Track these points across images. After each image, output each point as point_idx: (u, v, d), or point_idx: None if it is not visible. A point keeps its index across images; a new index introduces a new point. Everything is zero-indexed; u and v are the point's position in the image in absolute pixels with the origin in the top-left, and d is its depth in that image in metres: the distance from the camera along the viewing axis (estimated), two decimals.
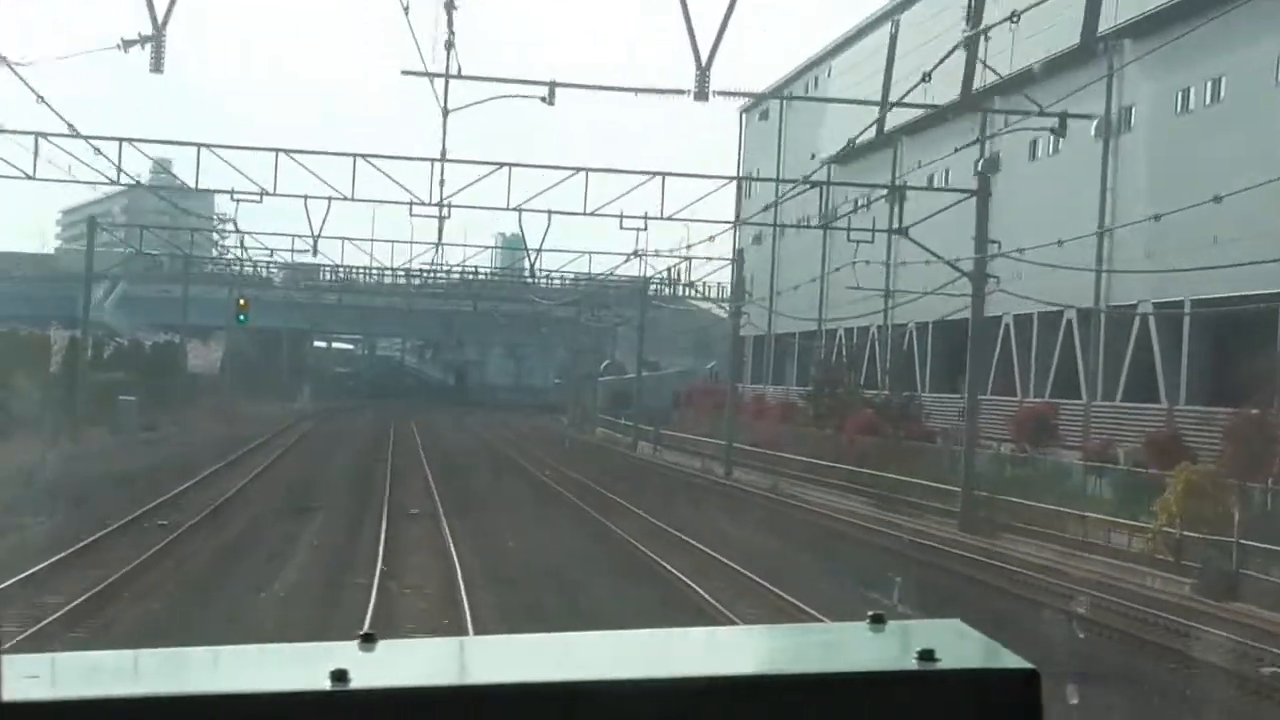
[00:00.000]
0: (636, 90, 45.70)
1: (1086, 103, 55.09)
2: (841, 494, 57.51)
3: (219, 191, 46.26)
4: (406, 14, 31.54)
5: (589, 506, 45.44)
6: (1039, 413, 60.48)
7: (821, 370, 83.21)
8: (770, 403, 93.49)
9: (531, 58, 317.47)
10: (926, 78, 41.17)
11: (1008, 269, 52.34)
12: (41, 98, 36.35)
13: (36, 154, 47.43)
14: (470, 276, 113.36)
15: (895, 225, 49.48)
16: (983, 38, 45.57)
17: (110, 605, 25.09)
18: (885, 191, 66.30)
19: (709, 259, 79.66)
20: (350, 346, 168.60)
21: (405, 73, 35.92)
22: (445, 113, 35.09)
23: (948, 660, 3.05)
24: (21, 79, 34.74)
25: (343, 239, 71.77)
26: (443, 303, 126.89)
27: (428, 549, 34.44)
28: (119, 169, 46.02)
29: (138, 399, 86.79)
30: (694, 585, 29.78)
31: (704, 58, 29.81)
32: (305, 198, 47.38)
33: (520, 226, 49.53)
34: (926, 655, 3.05)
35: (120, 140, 44.47)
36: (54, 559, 28.21)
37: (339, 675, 2.91)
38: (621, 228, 49.08)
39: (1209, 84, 54.85)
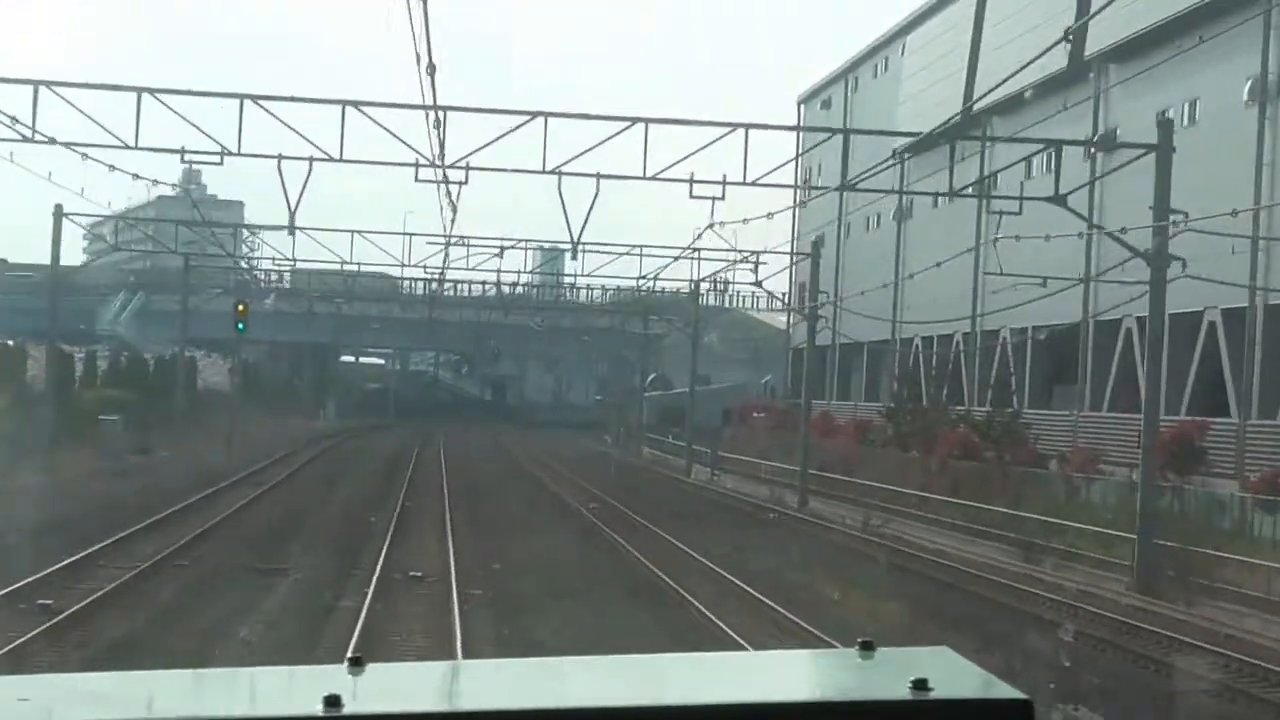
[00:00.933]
0: None
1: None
2: (948, 533, 46.33)
3: (169, 151, 34.43)
4: None
5: (652, 562, 34.27)
6: (1183, 433, 49.10)
7: (902, 383, 71.84)
8: (837, 420, 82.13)
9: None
10: (1067, 37, 31.79)
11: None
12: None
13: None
14: (505, 284, 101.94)
15: (1055, 192, 38.15)
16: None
17: None
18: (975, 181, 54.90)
19: (766, 253, 66.30)
20: (381, 361, 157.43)
21: None
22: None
23: (941, 689, 2.96)
24: None
25: (351, 231, 59.24)
26: (474, 313, 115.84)
27: (422, 640, 23.37)
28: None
29: (133, 419, 76.58)
30: None
31: None
32: (279, 158, 36.19)
33: (560, 194, 37.77)
34: (920, 685, 2.97)
35: (36, 83, 33.35)
36: None
37: (332, 701, 2.84)
38: (692, 195, 37.84)
39: None
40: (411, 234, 64.55)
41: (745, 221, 70.31)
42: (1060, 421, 63.22)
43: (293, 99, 34.34)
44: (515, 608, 26.69)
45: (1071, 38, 32.05)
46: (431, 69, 26.80)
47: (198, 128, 33.72)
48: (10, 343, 78.62)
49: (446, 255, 57.44)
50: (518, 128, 35.22)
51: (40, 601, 24.76)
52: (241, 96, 33.45)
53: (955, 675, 3.16)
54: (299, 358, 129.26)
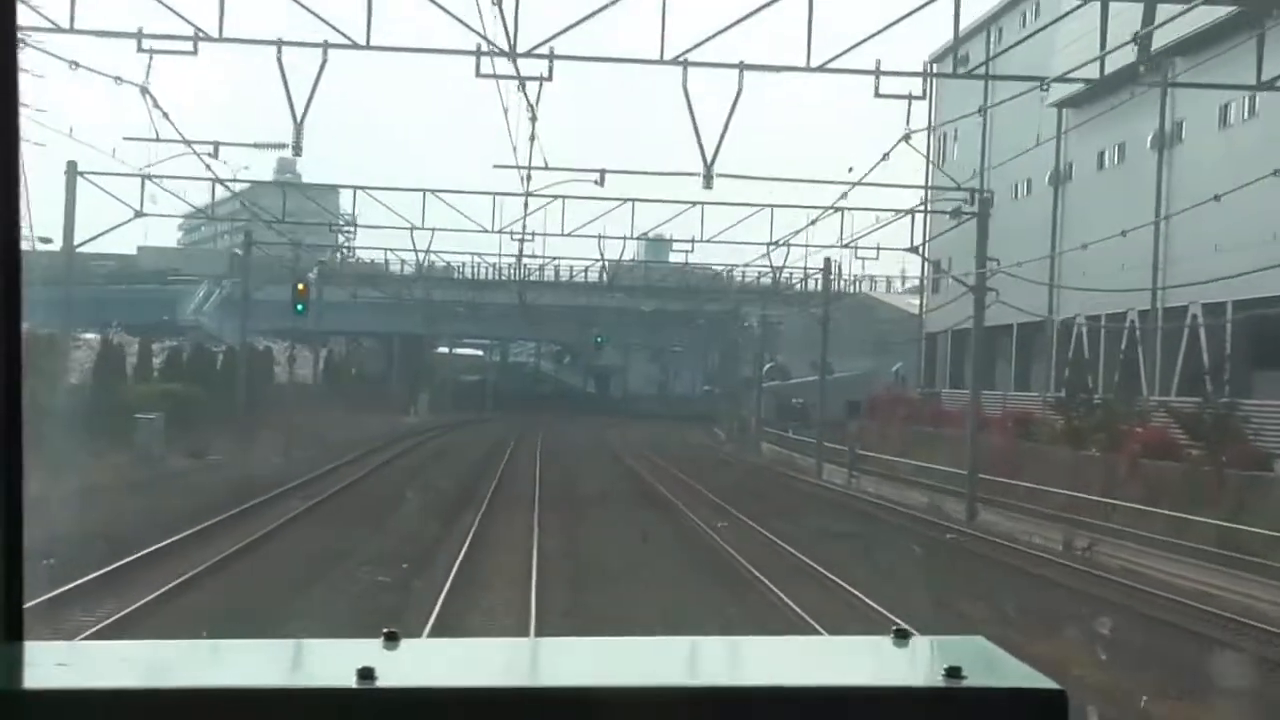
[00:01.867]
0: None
1: None
2: (1186, 561, 35.20)
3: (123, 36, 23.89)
4: None
5: (832, 625, 23.35)
6: None
7: (1078, 370, 60.53)
8: (987, 413, 70.70)
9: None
10: None
11: None
12: None
13: None
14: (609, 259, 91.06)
15: None
16: None
17: None
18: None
19: (917, 211, 55.31)
20: (479, 352, 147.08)
21: None
22: None
23: (974, 678, 2.95)
24: None
25: (432, 229, 49.89)
26: (570, 294, 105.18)
27: None
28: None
29: (180, 416, 66.68)
30: None
31: None
32: (278, 43, 25.59)
33: (686, 93, 26.97)
34: (953, 673, 2.94)
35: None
36: None
37: (366, 673, 2.85)
38: (878, 93, 27.09)
39: None
40: (497, 194, 53.96)
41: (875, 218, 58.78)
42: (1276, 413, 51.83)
43: None
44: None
45: None
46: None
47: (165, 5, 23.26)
48: (53, 332, 68.61)
49: (526, 205, 46.64)
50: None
51: None
52: None
53: (990, 664, 3.10)
54: (393, 350, 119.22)
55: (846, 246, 48.90)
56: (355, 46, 24.96)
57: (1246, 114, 55.78)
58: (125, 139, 65.39)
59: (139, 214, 42.86)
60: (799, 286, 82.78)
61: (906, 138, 48.35)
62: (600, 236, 47.38)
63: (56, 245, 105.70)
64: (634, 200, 45.21)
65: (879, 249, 58.12)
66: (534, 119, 36.45)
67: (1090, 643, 22.43)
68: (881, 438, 77.06)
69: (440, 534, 34.34)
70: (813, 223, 49.64)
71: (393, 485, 45.95)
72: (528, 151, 62.22)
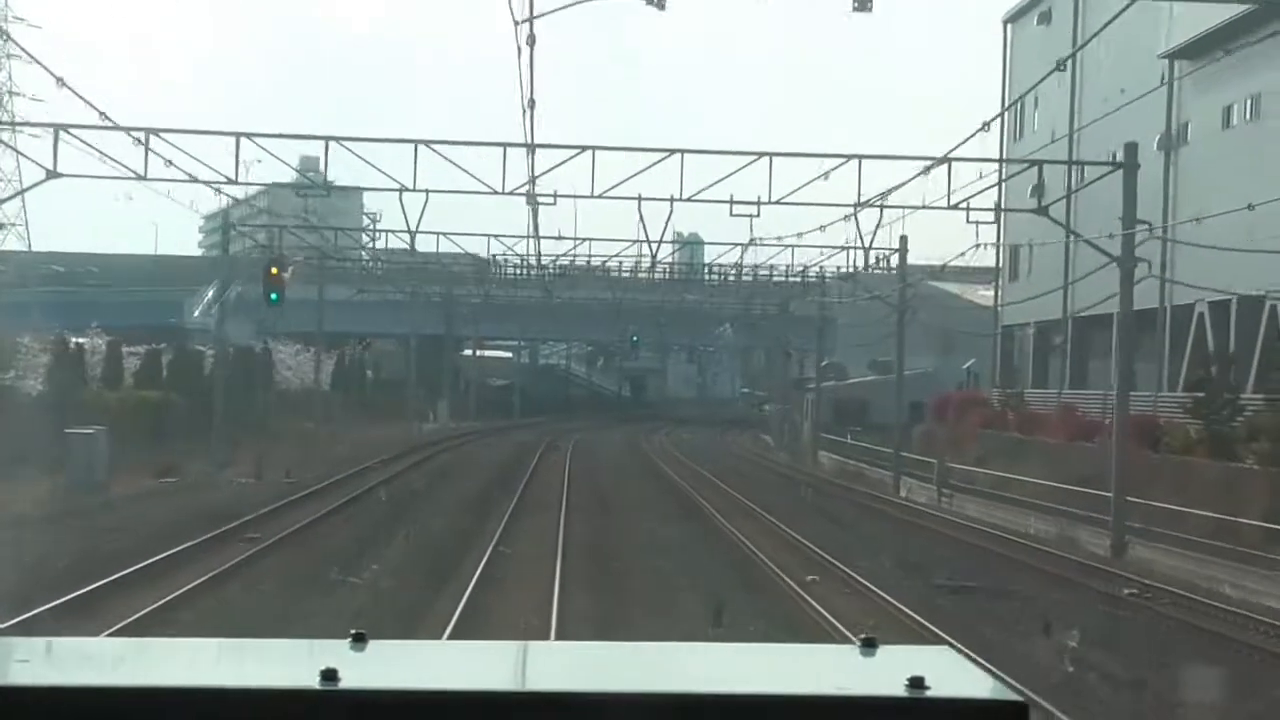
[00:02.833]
0: None
1: None
2: None
3: None
4: None
5: None
6: None
7: (1224, 364, 49.39)
8: (1083, 416, 59.30)
9: None
10: None
11: None
12: None
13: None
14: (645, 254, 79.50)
15: None
16: None
17: None
18: None
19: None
20: (507, 355, 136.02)
21: None
22: None
23: (937, 689, 2.89)
24: None
25: (426, 191, 39.50)
26: (603, 288, 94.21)
27: None
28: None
29: (163, 428, 56.29)
30: None
31: None
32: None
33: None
34: (916, 683, 2.89)
35: None
36: None
37: (329, 674, 2.82)
38: None
39: None
40: (507, 144, 43.12)
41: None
42: None
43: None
44: None
45: None
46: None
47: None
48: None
49: (532, 154, 35.04)
50: None
51: None
52: None
53: (954, 675, 3.06)
54: (410, 352, 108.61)
55: (957, 208, 37.39)
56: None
57: None
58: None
59: (53, 174, 32.37)
60: (874, 266, 71.30)
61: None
62: (640, 199, 35.69)
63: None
64: (682, 151, 34.20)
65: (1000, 207, 46.28)
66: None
67: None
68: (954, 445, 65.84)
69: (414, 608, 23.25)
70: (904, 183, 38.22)
71: (371, 524, 34.81)
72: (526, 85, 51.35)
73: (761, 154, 34.66)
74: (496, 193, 34.90)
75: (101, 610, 21.59)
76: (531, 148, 33.28)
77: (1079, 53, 61.34)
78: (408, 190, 34.64)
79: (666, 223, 37.91)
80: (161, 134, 35.15)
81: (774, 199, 35.13)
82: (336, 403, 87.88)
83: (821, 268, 79.41)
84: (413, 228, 37.95)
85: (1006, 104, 72.13)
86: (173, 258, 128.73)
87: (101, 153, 35.06)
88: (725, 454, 77.60)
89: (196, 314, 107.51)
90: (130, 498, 40.42)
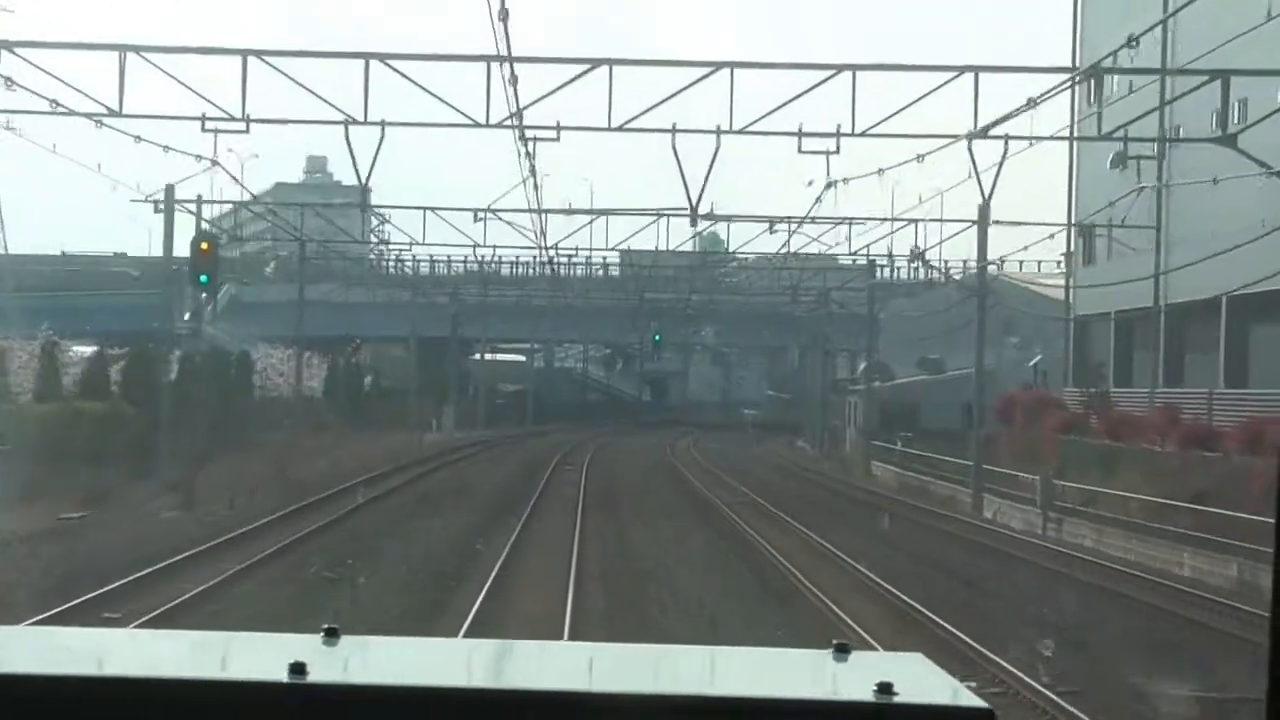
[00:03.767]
0: None
1: None
2: None
3: None
4: None
5: None
6: None
7: None
8: (1187, 420, 48.73)
9: None
10: None
11: None
12: None
13: None
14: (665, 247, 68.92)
15: None
16: None
17: None
18: None
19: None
20: (520, 358, 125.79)
21: None
22: None
23: (905, 694, 2.85)
24: None
25: (381, 123, 29.69)
26: (623, 283, 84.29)
27: None
28: None
29: (101, 446, 46.41)
30: None
31: None
32: None
33: None
34: (885, 689, 2.84)
35: None
36: None
37: (297, 668, 2.79)
38: None
39: None
40: (488, 57, 33.59)
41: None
42: None
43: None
44: None
45: None
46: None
47: None
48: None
49: (511, 68, 24.62)
50: None
51: None
52: None
53: (922, 681, 3.00)
54: (411, 355, 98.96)
55: (1110, 137, 27.08)
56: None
57: None
58: None
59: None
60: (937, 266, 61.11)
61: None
62: (675, 130, 25.47)
63: None
64: (731, 65, 23.93)
65: (1166, 137, 35.94)
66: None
67: None
68: (1026, 454, 55.50)
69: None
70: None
71: (298, 594, 24.42)
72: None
73: (842, 67, 24.42)
74: (479, 125, 24.79)
75: None
76: (509, 60, 23.02)
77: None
78: (356, 123, 24.63)
79: (711, 165, 27.45)
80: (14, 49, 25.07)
81: (856, 130, 24.83)
82: (330, 411, 78.31)
83: (891, 243, 68.16)
84: (362, 171, 27.81)
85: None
86: (162, 260, 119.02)
87: None
88: (765, 466, 67.50)
89: (187, 317, 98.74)
90: (22, 538, 30.29)
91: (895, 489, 54.90)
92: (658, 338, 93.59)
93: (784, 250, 54.35)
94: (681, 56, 68.31)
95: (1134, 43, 27.11)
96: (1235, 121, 32.97)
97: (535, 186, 38.97)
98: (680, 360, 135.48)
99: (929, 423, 70.79)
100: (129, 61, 25.80)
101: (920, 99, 25.50)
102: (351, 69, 25.24)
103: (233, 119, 26.20)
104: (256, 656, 3.11)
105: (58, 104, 27.07)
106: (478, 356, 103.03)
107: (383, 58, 24.83)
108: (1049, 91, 27.12)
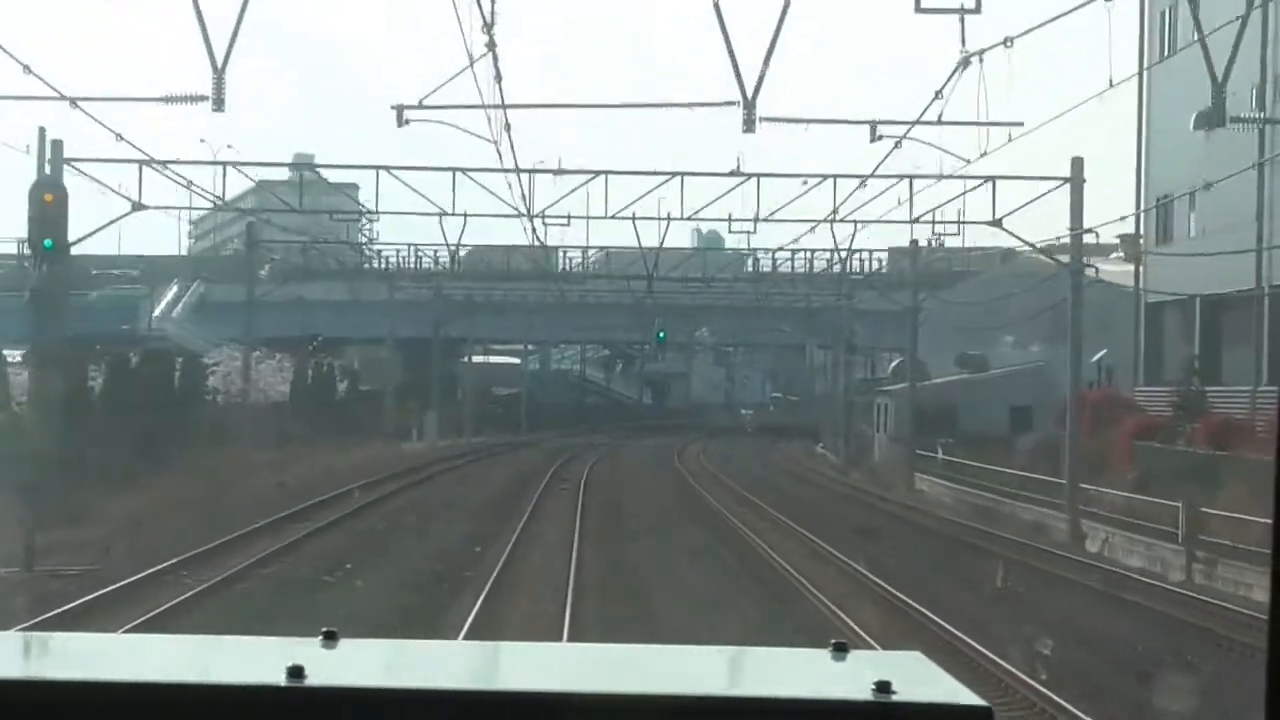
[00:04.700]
0: None
1: None
2: None
3: None
4: None
5: None
6: None
7: None
8: None
9: None
10: None
11: None
12: None
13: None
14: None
15: None
16: None
17: None
18: None
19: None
20: (514, 360, 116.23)
21: None
22: None
23: (904, 693, 2.80)
24: None
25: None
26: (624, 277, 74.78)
27: None
28: None
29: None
30: None
31: None
32: None
33: None
34: (883, 687, 2.79)
35: None
36: None
37: (295, 671, 2.74)
38: None
39: None
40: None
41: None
42: None
43: None
44: None
45: None
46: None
47: None
48: None
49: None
50: None
51: None
52: None
53: (921, 680, 2.97)
54: (417, 359, 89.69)
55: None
56: None
57: None
58: None
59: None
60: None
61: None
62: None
63: None
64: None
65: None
66: None
67: None
68: (1097, 463, 45.72)
69: None
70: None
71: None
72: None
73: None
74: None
75: None
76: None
77: None
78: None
79: (775, 36, 17.56)
80: None
81: None
82: (298, 419, 68.91)
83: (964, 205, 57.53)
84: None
85: None
86: (147, 258, 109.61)
87: None
88: (790, 479, 57.99)
89: (156, 314, 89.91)
90: None
91: (956, 511, 44.91)
92: (661, 335, 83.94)
93: (832, 217, 43.95)
94: None
95: None
96: None
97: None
98: (683, 361, 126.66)
99: (970, 426, 61.50)
100: None
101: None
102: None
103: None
104: (254, 660, 2.99)
105: None
106: (469, 359, 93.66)
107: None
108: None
